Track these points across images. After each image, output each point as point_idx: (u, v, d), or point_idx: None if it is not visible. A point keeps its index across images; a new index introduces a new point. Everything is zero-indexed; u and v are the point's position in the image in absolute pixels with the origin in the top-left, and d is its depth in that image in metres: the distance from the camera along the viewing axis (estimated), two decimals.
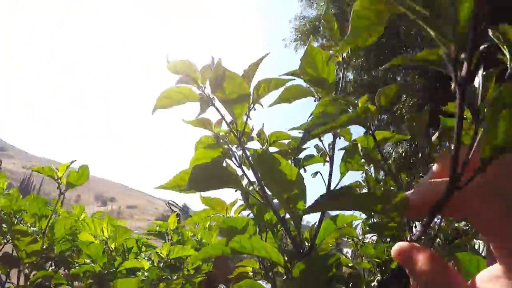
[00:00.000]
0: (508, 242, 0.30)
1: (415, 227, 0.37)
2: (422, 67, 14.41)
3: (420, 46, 15.25)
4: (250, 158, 0.76)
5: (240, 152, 0.88)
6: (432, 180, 0.34)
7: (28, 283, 1.60)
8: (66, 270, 1.69)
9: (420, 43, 15.19)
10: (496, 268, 0.31)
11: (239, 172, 0.87)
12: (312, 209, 0.37)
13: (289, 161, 0.90)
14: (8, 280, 1.62)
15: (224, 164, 0.89)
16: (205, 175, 0.78)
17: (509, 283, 0.30)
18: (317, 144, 0.98)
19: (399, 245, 0.34)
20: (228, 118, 0.83)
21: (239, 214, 1.18)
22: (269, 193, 0.78)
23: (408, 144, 14.23)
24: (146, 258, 1.67)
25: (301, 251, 0.78)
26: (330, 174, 0.82)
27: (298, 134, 0.93)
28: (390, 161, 14.46)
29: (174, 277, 1.51)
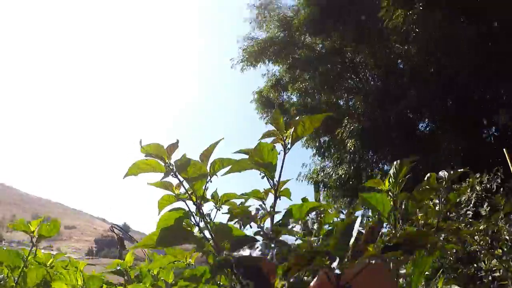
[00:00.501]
0: None
1: None
2: (364, 90, 14.93)
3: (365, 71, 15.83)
4: (209, 226, 0.94)
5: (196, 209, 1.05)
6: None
7: None
8: None
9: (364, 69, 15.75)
10: None
11: (196, 228, 1.04)
12: None
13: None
14: None
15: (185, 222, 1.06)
16: (169, 236, 0.97)
17: None
18: (260, 204, 1.16)
19: None
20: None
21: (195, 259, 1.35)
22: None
23: (347, 166, 14.67)
24: None
25: None
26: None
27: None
28: (331, 182, 14.77)
29: None
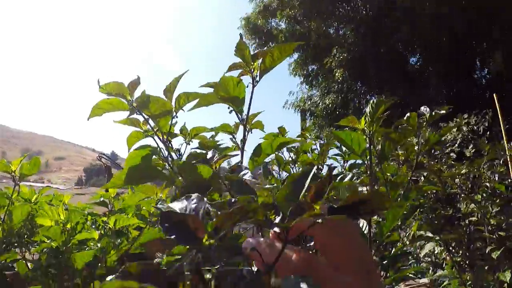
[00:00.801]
0: (333, 257, 0.45)
1: None
2: (356, 19, 14.49)
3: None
4: (179, 167, 0.90)
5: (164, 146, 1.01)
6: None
7: None
8: (25, 250, 1.81)
9: None
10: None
11: (166, 164, 1.00)
12: None
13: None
14: None
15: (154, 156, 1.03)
16: (138, 174, 0.93)
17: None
18: (231, 138, 1.12)
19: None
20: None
21: (166, 195, 1.34)
22: None
23: (335, 96, 14.55)
24: (93, 227, 1.78)
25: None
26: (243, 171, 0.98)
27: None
28: (317, 111, 14.70)
29: (120, 242, 1.66)
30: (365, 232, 1.02)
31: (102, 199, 1.82)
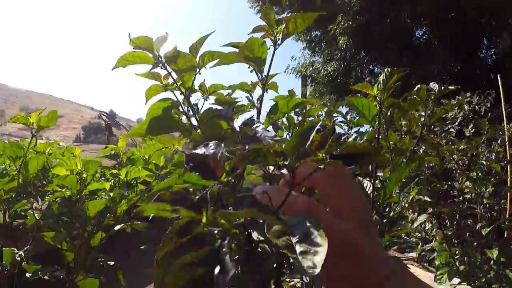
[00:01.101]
0: (334, 206, 0.50)
1: None
2: None
3: None
4: (200, 119, 0.96)
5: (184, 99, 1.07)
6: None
7: (7, 216, 1.84)
8: (33, 201, 1.89)
9: None
10: None
11: (185, 117, 1.06)
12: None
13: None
14: None
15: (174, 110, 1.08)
16: (158, 125, 0.99)
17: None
18: (247, 96, 1.17)
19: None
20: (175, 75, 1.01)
21: (183, 146, 1.40)
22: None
23: (337, 63, 14.43)
24: (103, 178, 1.85)
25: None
26: (255, 124, 1.03)
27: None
28: (319, 78, 14.58)
29: (129, 194, 1.74)
30: (369, 192, 1.08)
31: (112, 152, 1.88)
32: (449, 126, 4.91)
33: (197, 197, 0.43)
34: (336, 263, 0.46)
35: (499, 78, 3.42)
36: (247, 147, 0.53)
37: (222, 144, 0.52)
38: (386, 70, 1.12)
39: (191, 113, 1.01)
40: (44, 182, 1.89)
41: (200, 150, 0.52)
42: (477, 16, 12.46)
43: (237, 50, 0.99)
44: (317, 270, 0.33)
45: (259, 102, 1.10)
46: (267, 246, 1.05)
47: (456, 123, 6.69)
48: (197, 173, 0.49)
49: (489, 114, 6.56)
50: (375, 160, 0.48)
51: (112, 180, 1.78)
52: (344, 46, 13.53)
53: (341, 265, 0.47)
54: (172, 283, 0.32)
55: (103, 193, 1.73)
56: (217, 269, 0.34)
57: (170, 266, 0.36)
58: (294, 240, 0.38)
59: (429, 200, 1.66)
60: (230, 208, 0.42)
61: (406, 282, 0.50)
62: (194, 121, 1.04)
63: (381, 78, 1.12)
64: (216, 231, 0.39)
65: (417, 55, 12.79)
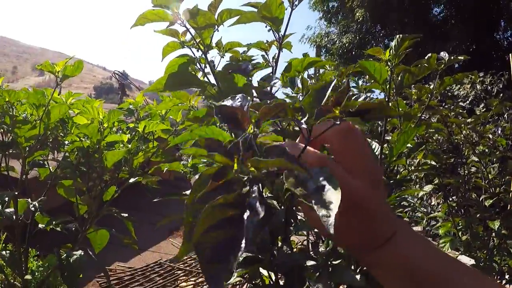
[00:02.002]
0: (346, 163, 0.50)
1: None
2: None
3: None
4: (215, 73, 0.99)
5: (201, 56, 1.09)
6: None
7: (26, 164, 1.87)
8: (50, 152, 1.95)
9: None
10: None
11: (201, 73, 1.09)
12: None
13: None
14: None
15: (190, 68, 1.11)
16: (176, 80, 1.02)
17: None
18: (262, 55, 1.19)
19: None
20: (193, 31, 1.03)
21: (198, 102, 1.42)
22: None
23: (353, 36, 14.24)
24: (120, 132, 1.88)
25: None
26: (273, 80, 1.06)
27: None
28: (333, 49, 14.40)
29: (144, 147, 1.78)
30: (377, 153, 1.11)
31: (131, 106, 1.91)
32: (460, 104, 4.86)
33: (230, 145, 0.46)
34: (346, 217, 0.47)
35: (511, 57, 3.37)
36: (268, 102, 0.56)
37: (249, 97, 0.55)
38: (398, 36, 1.13)
39: (208, 69, 1.04)
40: (61, 134, 1.92)
41: (228, 102, 0.55)
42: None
43: (255, 10, 1.01)
44: (331, 220, 0.36)
45: (274, 61, 1.12)
46: (275, 202, 1.10)
47: (468, 102, 6.64)
48: (226, 124, 0.51)
49: (501, 94, 6.49)
50: (388, 113, 0.50)
51: (129, 134, 1.82)
52: (360, 19, 13.35)
53: (351, 219, 0.48)
54: (203, 222, 0.35)
55: (121, 145, 1.77)
56: (246, 214, 0.36)
57: (198, 210, 0.39)
58: (310, 190, 0.41)
59: (435, 164, 1.68)
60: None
61: (413, 238, 0.51)
62: (211, 78, 1.07)
63: (393, 43, 1.13)
64: (245, 178, 0.41)
65: (433, 33, 12.58)
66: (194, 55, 1.06)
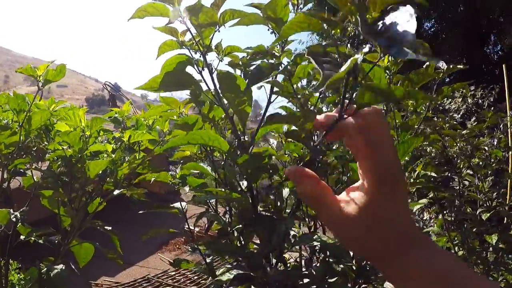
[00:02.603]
0: (366, 160, 0.49)
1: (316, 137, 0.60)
2: None
3: None
4: (214, 74, 0.99)
5: (199, 58, 1.10)
6: (329, 114, 0.54)
7: (5, 172, 1.83)
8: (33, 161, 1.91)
9: None
10: (358, 183, 0.51)
11: (198, 76, 1.09)
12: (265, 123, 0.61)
13: (239, 72, 1.12)
14: None
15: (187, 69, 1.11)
16: (172, 80, 1.02)
17: (362, 193, 0.48)
18: (264, 60, 1.20)
19: (289, 168, 0.54)
20: (193, 31, 1.04)
21: (187, 111, 1.43)
22: (224, 98, 1.02)
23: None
24: (105, 141, 1.87)
25: (242, 141, 1.05)
26: (272, 89, 1.08)
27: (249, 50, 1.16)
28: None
29: (130, 158, 1.76)
30: None
31: (116, 115, 1.90)
32: (452, 116, 4.95)
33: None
34: (365, 224, 0.48)
35: (504, 68, 3.43)
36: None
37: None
38: None
39: (206, 72, 1.05)
40: (45, 142, 1.90)
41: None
42: (487, 12, 12.51)
43: (257, 12, 1.03)
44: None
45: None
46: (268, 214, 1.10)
47: (459, 116, 6.76)
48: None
49: (492, 108, 6.62)
50: (394, 100, 0.52)
51: (115, 144, 1.81)
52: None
53: (369, 226, 0.48)
54: None
55: (105, 155, 1.75)
56: None
57: None
58: None
59: (436, 176, 1.69)
60: None
61: (432, 252, 0.47)
62: (208, 81, 1.07)
63: None
64: None
65: None
66: (192, 56, 1.07)
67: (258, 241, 1.11)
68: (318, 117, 0.55)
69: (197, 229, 7.56)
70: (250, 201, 1.03)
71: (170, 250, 5.85)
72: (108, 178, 1.81)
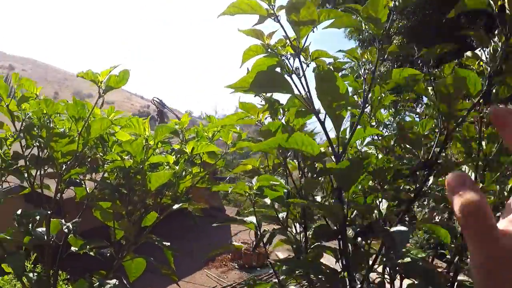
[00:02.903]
0: None
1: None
2: None
3: None
4: (315, 71, 0.98)
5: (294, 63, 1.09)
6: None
7: (60, 182, 1.84)
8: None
9: None
10: None
11: (289, 79, 1.09)
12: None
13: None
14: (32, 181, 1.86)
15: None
16: (264, 80, 1.01)
17: None
18: (352, 67, 1.19)
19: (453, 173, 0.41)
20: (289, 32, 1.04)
21: (265, 118, 1.41)
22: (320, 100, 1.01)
23: (390, 63, 14.39)
24: (164, 153, 1.87)
25: (336, 149, 1.03)
26: (367, 93, 1.07)
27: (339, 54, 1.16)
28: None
29: (191, 170, 1.75)
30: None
31: (176, 126, 1.88)
32: None
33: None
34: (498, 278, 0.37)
35: None
36: None
37: None
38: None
39: (301, 72, 1.04)
40: (101, 153, 1.90)
41: None
42: None
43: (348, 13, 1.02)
44: None
45: (369, 71, 1.12)
46: None
47: None
48: None
49: None
50: None
51: (175, 156, 1.80)
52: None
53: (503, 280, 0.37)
54: None
55: (166, 167, 1.74)
56: None
57: None
58: None
59: None
60: None
61: None
62: (299, 85, 1.07)
63: (490, 47, 1.12)
64: None
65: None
66: (283, 58, 1.07)
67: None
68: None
69: (244, 246, 7.55)
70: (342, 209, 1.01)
71: (216, 267, 5.98)
72: (166, 191, 1.80)
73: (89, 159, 1.92)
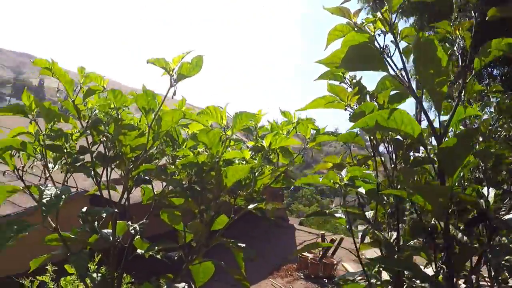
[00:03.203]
0: None
1: None
2: None
3: None
4: (415, 43, 0.95)
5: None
6: None
7: (128, 178, 1.84)
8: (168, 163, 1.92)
9: None
10: None
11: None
12: None
13: None
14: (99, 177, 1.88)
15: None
16: (357, 56, 0.99)
17: None
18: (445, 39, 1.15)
19: None
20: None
21: (354, 103, 1.37)
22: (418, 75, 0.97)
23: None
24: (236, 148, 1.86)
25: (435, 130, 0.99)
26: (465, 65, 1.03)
27: None
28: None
29: (270, 167, 1.72)
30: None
31: (251, 121, 1.86)
32: None
33: None
34: None
35: None
36: None
37: None
38: None
39: (392, 48, 1.01)
40: (169, 151, 1.90)
41: None
42: None
43: None
44: None
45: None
46: None
47: None
48: None
49: None
50: None
51: (250, 151, 1.77)
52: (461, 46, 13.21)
53: None
54: None
55: (243, 162, 1.71)
56: None
57: None
58: None
59: None
60: None
61: None
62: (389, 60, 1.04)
63: None
64: None
65: None
66: (374, 35, 1.04)
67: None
68: None
69: (310, 255, 7.47)
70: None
71: (281, 276, 6.01)
72: (240, 191, 1.77)
73: (156, 160, 1.92)
